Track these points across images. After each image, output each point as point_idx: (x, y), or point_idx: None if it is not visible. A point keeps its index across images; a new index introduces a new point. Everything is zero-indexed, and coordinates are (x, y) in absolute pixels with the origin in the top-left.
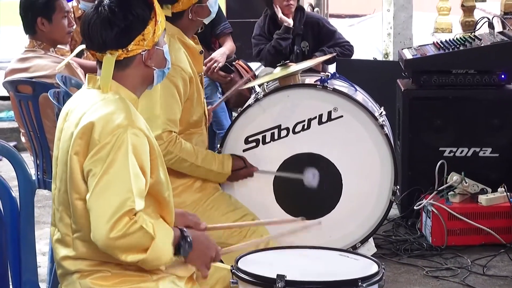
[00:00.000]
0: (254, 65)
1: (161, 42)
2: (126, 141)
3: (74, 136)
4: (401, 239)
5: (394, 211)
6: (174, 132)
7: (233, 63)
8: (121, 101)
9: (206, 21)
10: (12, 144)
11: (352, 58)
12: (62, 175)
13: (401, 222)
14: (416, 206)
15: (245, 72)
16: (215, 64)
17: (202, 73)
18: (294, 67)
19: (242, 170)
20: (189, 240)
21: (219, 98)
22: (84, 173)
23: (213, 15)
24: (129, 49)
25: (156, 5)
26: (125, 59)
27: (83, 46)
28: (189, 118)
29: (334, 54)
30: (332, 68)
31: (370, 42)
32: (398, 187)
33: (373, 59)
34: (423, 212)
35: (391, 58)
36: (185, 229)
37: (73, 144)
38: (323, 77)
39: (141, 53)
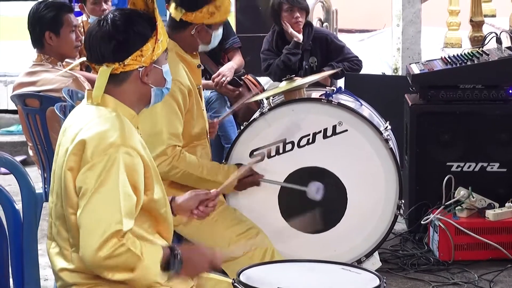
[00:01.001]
0: (263, 80)
1: (160, 61)
2: (118, 161)
3: (69, 152)
4: (408, 253)
5: (402, 226)
6: (178, 146)
7: (242, 77)
8: (117, 118)
9: (201, 48)
10: (22, 157)
11: (360, 73)
12: (57, 189)
13: (408, 236)
14: (424, 221)
15: (254, 86)
16: (223, 79)
17: (201, 86)
18: (299, 81)
19: (248, 178)
20: (178, 257)
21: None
22: (76, 189)
23: (208, 47)
24: (125, 63)
25: (159, 25)
26: (121, 73)
27: (83, 59)
28: (191, 130)
29: (339, 69)
30: (341, 82)
31: (380, 57)
32: (403, 201)
33: (381, 74)
34: (430, 227)
35: (400, 73)
36: (175, 246)
37: (67, 160)
38: (328, 92)
39: (138, 69)
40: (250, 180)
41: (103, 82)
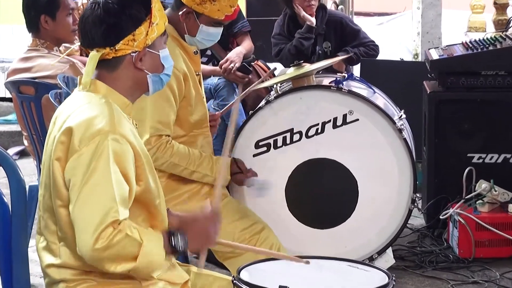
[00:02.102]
0: (274, 66)
1: (157, 45)
2: (107, 148)
3: (56, 141)
4: (426, 250)
5: (420, 221)
6: (166, 135)
7: (251, 63)
8: (107, 105)
9: (188, 40)
10: (20, 148)
11: (377, 58)
12: (46, 180)
13: (426, 232)
14: (442, 216)
15: (264, 73)
16: (232, 65)
17: (200, 72)
18: (308, 67)
19: (238, 174)
20: (179, 235)
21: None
22: (66, 180)
23: (195, 41)
24: (117, 48)
25: (155, 7)
26: (114, 58)
27: (77, 45)
28: (189, 117)
29: (351, 54)
30: (356, 69)
31: (400, 41)
32: (418, 195)
33: (400, 59)
34: (449, 222)
35: (420, 58)
36: (171, 228)
37: (55, 149)
38: (338, 78)
39: (131, 54)
40: (238, 178)
41: (92, 67)
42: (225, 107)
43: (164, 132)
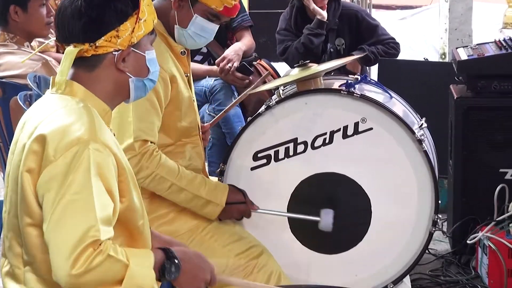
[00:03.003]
0: (279, 67)
1: (143, 45)
2: (87, 159)
3: (26, 149)
4: (452, 280)
5: (444, 246)
6: (151, 142)
7: (253, 62)
8: (85, 110)
9: (177, 33)
10: None
11: (398, 58)
12: (11, 195)
13: (452, 259)
14: (470, 240)
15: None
16: (230, 64)
17: (190, 74)
18: (315, 67)
19: (239, 205)
20: (176, 261)
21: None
22: (38, 195)
23: (185, 36)
24: (97, 45)
25: (144, 1)
26: (93, 57)
27: (52, 40)
28: (177, 124)
29: (367, 53)
30: (373, 70)
31: (425, 39)
32: (440, 216)
33: (424, 59)
34: (478, 247)
35: (448, 59)
36: (171, 249)
37: (25, 159)
38: (350, 81)
39: (113, 52)
40: (241, 208)
41: (68, 65)
42: (219, 114)
43: (149, 138)
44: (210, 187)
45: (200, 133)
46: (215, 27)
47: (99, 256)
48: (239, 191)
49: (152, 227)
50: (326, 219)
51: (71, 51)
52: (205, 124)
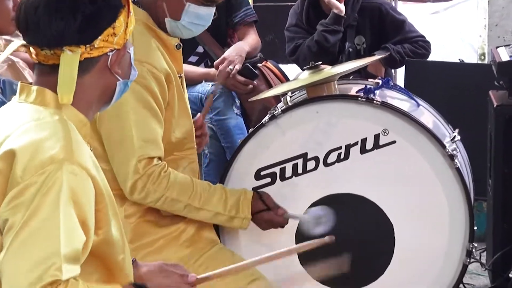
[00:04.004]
0: (289, 69)
1: (129, 43)
2: (59, 182)
3: None
4: None
5: (483, 280)
6: (158, 158)
7: (258, 64)
8: (61, 124)
9: (169, 25)
10: None
11: (428, 59)
12: None
13: None
14: None
15: (275, 77)
16: (231, 66)
17: (183, 74)
18: (328, 70)
19: (263, 213)
20: None
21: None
22: (0, 220)
23: (179, 27)
24: (95, 46)
25: None
26: (85, 60)
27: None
28: (169, 135)
29: (392, 53)
30: (400, 73)
31: (461, 37)
32: (476, 245)
33: (459, 61)
34: None
35: (488, 60)
36: (146, 285)
37: None
38: (369, 86)
39: (108, 53)
40: (267, 217)
41: (73, 74)
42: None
43: (154, 154)
44: (232, 202)
45: (195, 145)
46: (211, 11)
47: None
48: (259, 198)
49: (137, 257)
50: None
51: (71, 57)
52: (198, 117)
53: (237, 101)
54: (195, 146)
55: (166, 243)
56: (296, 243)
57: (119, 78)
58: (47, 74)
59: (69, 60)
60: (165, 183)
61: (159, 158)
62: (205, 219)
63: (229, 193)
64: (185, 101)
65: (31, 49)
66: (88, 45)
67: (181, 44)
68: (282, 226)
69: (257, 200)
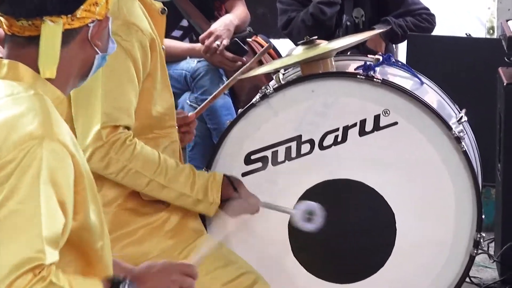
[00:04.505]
0: (281, 44)
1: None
2: (38, 160)
3: None
4: None
5: (491, 273)
6: (125, 127)
7: (247, 39)
8: (37, 99)
9: None
10: None
11: (432, 34)
12: None
13: None
14: None
15: (267, 54)
16: (218, 42)
17: (164, 47)
18: (324, 45)
19: (234, 201)
20: (127, 282)
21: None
22: None
23: None
24: (77, 16)
25: None
26: (66, 32)
27: None
28: (150, 108)
29: (390, 27)
30: (401, 49)
31: (467, 9)
32: (484, 235)
33: (466, 35)
34: None
35: (497, 34)
36: (126, 277)
37: None
38: (369, 63)
39: (89, 24)
40: (236, 206)
41: (55, 47)
42: (204, 103)
43: (122, 122)
44: (200, 183)
45: (176, 125)
46: None
47: (39, 283)
48: (230, 184)
49: (115, 248)
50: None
51: (54, 28)
52: (190, 114)
53: (225, 79)
54: (176, 125)
55: (148, 233)
56: (289, 234)
57: (98, 52)
58: (21, 47)
59: (51, 32)
60: (129, 152)
61: (127, 128)
62: (168, 199)
63: (198, 175)
64: (167, 75)
65: (3, 20)
66: (69, 15)
67: (165, 9)
68: (253, 212)
69: (227, 185)
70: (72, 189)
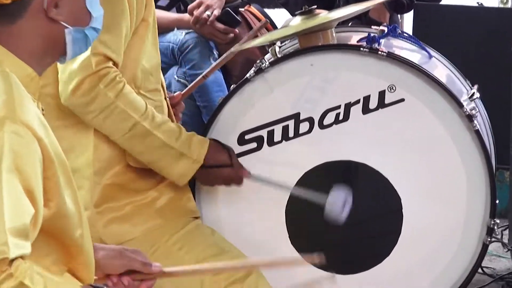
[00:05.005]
0: (276, 15)
1: None
2: (0, 146)
3: None
4: None
5: (505, 263)
6: (114, 62)
7: (240, 9)
8: (1, 76)
9: None
10: None
11: (441, 3)
12: None
13: None
14: None
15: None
16: (208, 12)
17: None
18: (324, 15)
19: (224, 169)
20: None
21: None
22: None
23: None
24: None
25: None
26: (14, 4)
27: None
28: (139, 59)
29: None
30: (407, 19)
31: None
32: (498, 221)
33: (477, 4)
34: None
35: (511, 4)
36: (104, 286)
37: None
38: (373, 35)
39: None
40: (227, 173)
41: None
42: (194, 81)
43: (112, 55)
44: (185, 137)
45: (167, 96)
46: None
47: (8, 281)
48: (224, 150)
49: (100, 223)
50: (334, 202)
51: None
52: (175, 94)
53: (215, 53)
54: (162, 90)
55: (135, 210)
56: (286, 220)
57: (67, 25)
58: None
59: None
60: (118, 89)
61: (115, 65)
62: (147, 151)
63: (184, 130)
64: (157, 34)
65: None
66: None
67: None
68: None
69: (222, 151)
70: (40, 176)
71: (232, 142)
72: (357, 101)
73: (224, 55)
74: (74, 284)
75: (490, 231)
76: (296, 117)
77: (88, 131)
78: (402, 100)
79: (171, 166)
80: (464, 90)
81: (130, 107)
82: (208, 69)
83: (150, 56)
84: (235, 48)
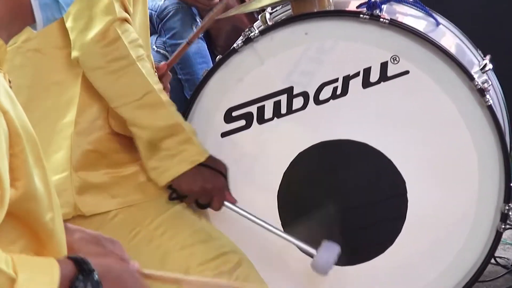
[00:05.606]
0: None
1: None
2: None
3: None
4: None
5: None
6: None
7: None
8: None
9: None
10: None
11: None
12: None
13: None
14: None
15: None
16: None
17: None
18: None
19: (219, 175)
20: (95, 278)
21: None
22: None
23: None
24: None
25: None
26: None
27: None
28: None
29: None
30: None
31: None
32: None
33: None
34: None
35: None
36: (88, 259)
37: None
38: (373, 0)
39: None
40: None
41: None
42: (177, 51)
43: (127, 18)
44: (190, 127)
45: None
46: None
47: None
48: (222, 163)
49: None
50: (324, 255)
51: None
52: (161, 64)
53: (198, 20)
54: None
55: (115, 181)
56: (278, 207)
57: None
58: None
59: None
60: (140, 53)
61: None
62: (160, 125)
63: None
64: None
65: None
66: None
67: None
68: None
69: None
70: (5, 152)
71: (218, 119)
72: (357, 74)
73: (205, 19)
74: (48, 260)
75: (504, 217)
76: (289, 91)
77: (74, 89)
78: (407, 72)
79: (177, 148)
80: (475, 61)
81: (148, 73)
82: (192, 33)
83: (140, 15)
84: (219, 12)
